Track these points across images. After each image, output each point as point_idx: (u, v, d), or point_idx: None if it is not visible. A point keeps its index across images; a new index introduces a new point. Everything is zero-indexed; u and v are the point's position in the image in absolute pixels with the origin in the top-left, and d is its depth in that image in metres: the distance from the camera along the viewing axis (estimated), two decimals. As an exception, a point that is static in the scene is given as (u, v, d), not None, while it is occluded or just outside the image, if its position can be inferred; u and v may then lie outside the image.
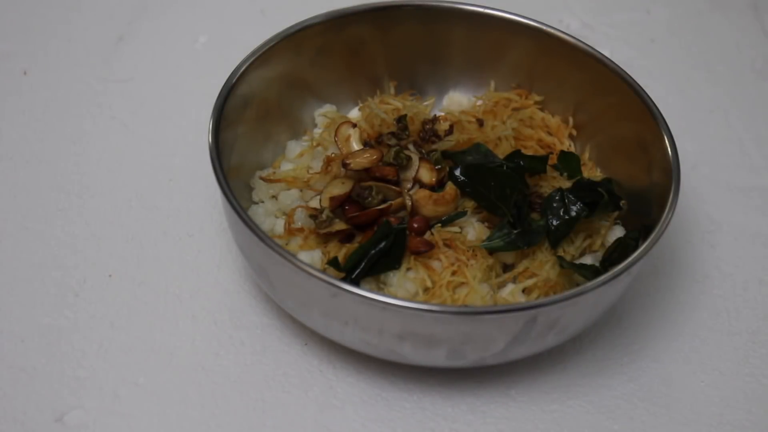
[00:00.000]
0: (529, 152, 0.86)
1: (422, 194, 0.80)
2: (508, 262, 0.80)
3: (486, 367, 0.78)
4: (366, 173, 0.81)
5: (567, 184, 0.83)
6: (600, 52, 0.87)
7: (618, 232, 0.83)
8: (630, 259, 0.74)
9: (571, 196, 0.80)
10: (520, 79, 0.91)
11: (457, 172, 0.80)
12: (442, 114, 0.89)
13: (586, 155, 0.89)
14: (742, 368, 0.81)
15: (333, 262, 0.77)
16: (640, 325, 0.83)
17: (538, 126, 0.89)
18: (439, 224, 0.80)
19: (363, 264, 0.77)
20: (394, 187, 0.81)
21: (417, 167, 0.82)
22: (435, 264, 0.78)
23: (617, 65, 0.86)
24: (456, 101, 0.92)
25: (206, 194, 0.89)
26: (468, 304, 0.76)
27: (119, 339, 0.80)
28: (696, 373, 0.81)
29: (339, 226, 0.79)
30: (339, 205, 0.80)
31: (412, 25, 0.90)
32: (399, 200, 0.80)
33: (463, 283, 0.77)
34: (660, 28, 1.09)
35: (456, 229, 0.80)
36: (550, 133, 0.89)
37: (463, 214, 0.80)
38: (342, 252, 0.78)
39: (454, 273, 0.77)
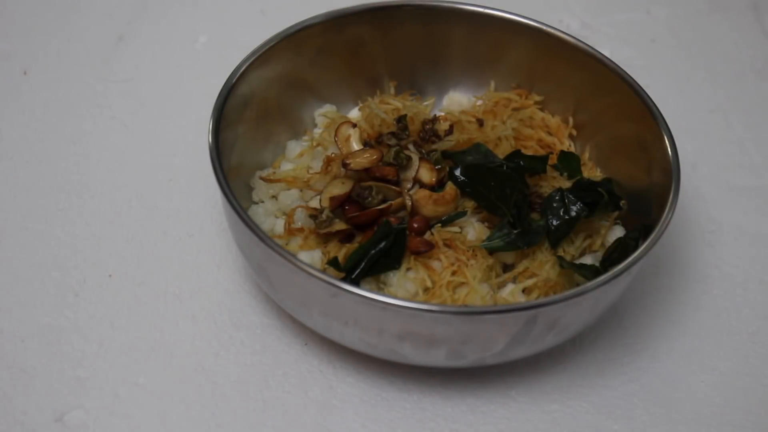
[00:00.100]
0: (529, 152, 0.86)
1: (422, 194, 0.80)
2: (508, 262, 0.80)
3: (486, 367, 0.78)
4: (366, 173, 0.81)
5: (567, 184, 0.83)
6: (600, 52, 0.87)
7: (618, 232, 0.83)
8: (630, 259, 0.74)
9: (571, 196, 0.80)
10: (520, 79, 0.91)
11: (457, 172, 0.80)
12: (442, 114, 0.89)
13: (586, 155, 0.89)
14: (742, 368, 0.81)
15: (333, 262, 0.77)
16: (640, 325, 0.83)
17: (538, 126, 0.89)
18: (439, 224, 0.80)
19: (363, 264, 0.77)
20: (394, 187, 0.80)
21: (417, 167, 0.82)
22: (435, 264, 0.78)
23: (617, 65, 0.86)
24: (456, 101, 0.92)
25: (206, 194, 0.89)
26: (468, 304, 0.76)
27: (119, 339, 0.80)
28: (696, 373, 0.81)
29: (339, 226, 0.79)
30: (339, 205, 0.80)
31: (412, 25, 0.90)
32: (399, 200, 0.80)
33: (463, 283, 0.77)
34: (660, 28, 1.09)
35: (456, 229, 0.80)
36: (550, 133, 0.89)
37: (463, 214, 0.80)
38: (342, 252, 0.78)
39: (454, 273, 0.77)
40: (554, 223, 0.80)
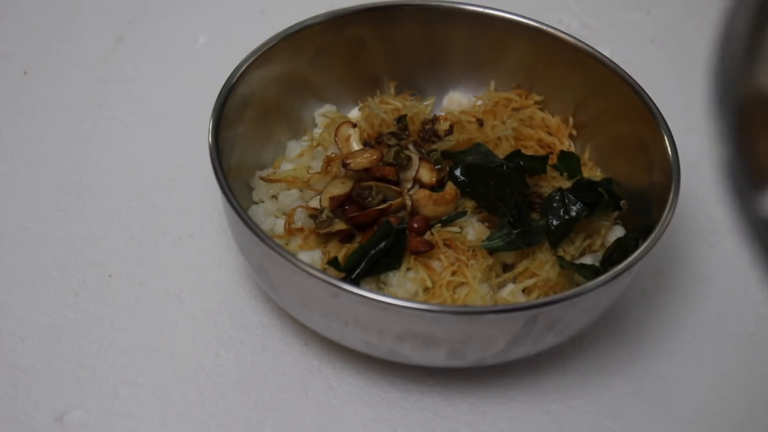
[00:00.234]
0: (529, 152, 0.86)
1: (422, 194, 0.80)
2: (508, 262, 0.80)
3: (486, 367, 0.78)
4: (366, 173, 0.81)
5: (567, 184, 0.83)
6: (600, 52, 0.87)
7: (618, 232, 0.83)
8: (630, 259, 0.74)
9: (571, 196, 0.80)
10: (520, 79, 0.91)
11: (457, 172, 0.80)
12: (442, 114, 0.89)
13: (586, 155, 0.89)
14: (742, 368, 0.81)
15: (333, 262, 0.77)
16: (640, 324, 0.83)
17: (538, 126, 0.89)
18: (439, 224, 0.80)
19: (363, 264, 0.77)
20: (394, 187, 0.80)
21: (417, 167, 0.82)
22: (435, 264, 0.78)
23: (617, 65, 0.86)
24: (456, 101, 0.92)
25: (206, 194, 0.89)
26: (468, 304, 0.76)
27: (119, 339, 0.80)
28: (696, 373, 0.81)
29: (339, 226, 0.79)
30: (339, 205, 0.80)
31: (412, 25, 0.90)
32: (399, 200, 0.80)
33: (463, 283, 0.77)
34: (660, 28, 1.09)
35: (456, 229, 0.80)
36: (550, 133, 0.89)
37: (463, 214, 0.80)
38: (342, 252, 0.78)
39: (454, 273, 0.77)
40: (554, 223, 0.80)
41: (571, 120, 0.90)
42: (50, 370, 0.77)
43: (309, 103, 0.90)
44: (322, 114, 0.89)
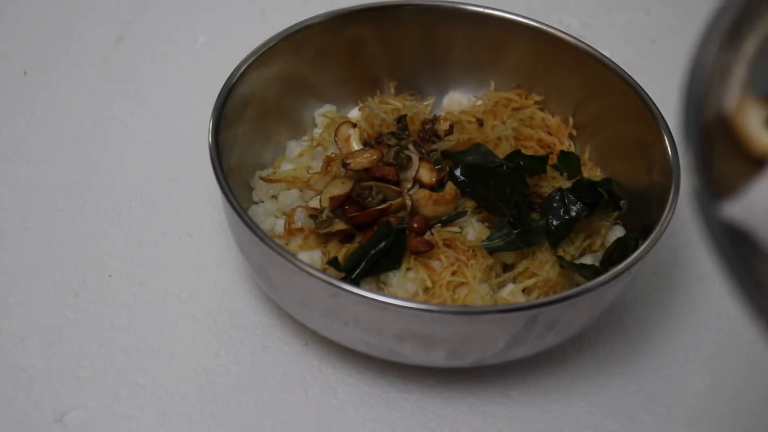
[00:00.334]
0: (529, 152, 0.86)
1: (422, 194, 0.80)
2: (508, 262, 0.80)
3: (486, 367, 0.78)
4: (366, 173, 0.81)
5: (567, 184, 0.83)
6: (600, 52, 0.87)
7: (618, 232, 0.83)
8: (630, 259, 0.74)
9: (571, 196, 0.80)
10: (520, 79, 0.91)
11: (457, 172, 0.80)
12: (442, 114, 0.89)
13: (586, 155, 0.89)
14: (742, 368, 0.81)
15: (333, 262, 0.77)
16: (640, 324, 0.83)
17: (538, 126, 0.89)
18: (439, 224, 0.80)
19: (363, 264, 0.77)
20: (394, 187, 0.80)
21: (417, 167, 0.82)
22: (435, 264, 0.78)
23: (617, 65, 0.86)
24: (456, 101, 0.92)
25: (206, 194, 0.89)
26: (468, 304, 0.76)
27: (119, 339, 0.80)
28: (696, 373, 0.81)
29: (339, 226, 0.79)
30: (339, 205, 0.80)
31: (412, 25, 0.90)
32: (399, 200, 0.80)
33: (463, 283, 0.77)
34: (660, 28, 1.09)
35: (456, 229, 0.80)
36: (550, 133, 0.89)
37: (463, 214, 0.80)
38: (342, 252, 0.78)
39: (454, 273, 0.77)
40: (554, 223, 0.80)
41: (571, 120, 0.90)
42: (50, 370, 0.77)
43: (309, 103, 0.90)
44: (322, 114, 0.89)
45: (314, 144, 0.86)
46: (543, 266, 0.79)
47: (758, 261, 0.46)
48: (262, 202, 0.84)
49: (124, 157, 0.92)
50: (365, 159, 0.81)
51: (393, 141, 0.83)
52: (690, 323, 0.84)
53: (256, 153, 0.86)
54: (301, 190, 0.83)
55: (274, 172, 0.86)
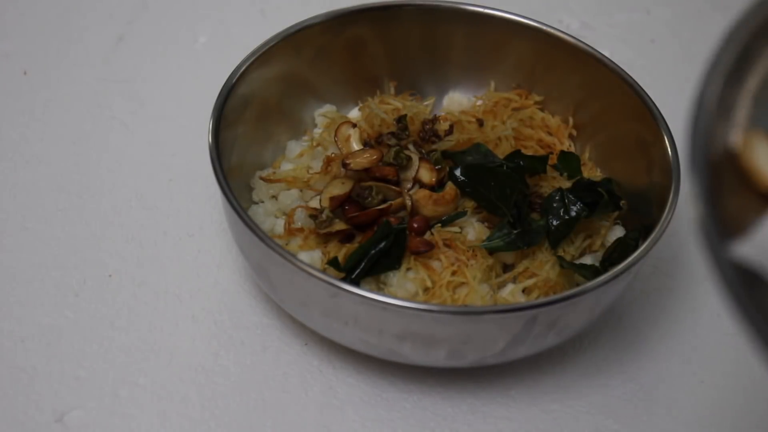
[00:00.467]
0: (529, 152, 0.86)
1: (422, 194, 0.80)
2: (508, 262, 0.80)
3: (486, 367, 0.78)
4: (366, 173, 0.81)
5: (567, 184, 0.83)
6: (600, 52, 0.87)
7: (618, 232, 0.83)
8: (630, 259, 0.74)
9: (571, 196, 0.80)
10: (520, 79, 0.91)
11: (457, 172, 0.80)
12: (442, 114, 0.89)
13: (586, 155, 0.89)
14: (742, 368, 0.81)
15: (333, 262, 0.77)
16: (640, 325, 0.83)
17: (538, 126, 0.89)
18: (439, 224, 0.80)
19: (363, 264, 0.77)
20: (394, 187, 0.80)
21: (417, 167, 0.82)
22: (435, 264, 0.78)
23: (617, 65, 0.86)
24: (456, 101, 0.92)
25: (206, 194, 0.89)
26: (468, 304, 0.76)
27: (119, 339, 0.80)
28: (696, 373, 0.81)
29: (339, 226, 0.79)
30: (339, 205, 0.80)
31: (412, 25, 0.90)
32: (399, 200, 0.80)
33: (463, 283, 0.77)
34: (660, 28, 1.09)
35: (456, 229, 0.80)
36: (550, 133, 0.89)
37: (463, 214, 0.80)
38: (342, 252, 0.78)
39: (454, 273, 0.77)
40: (554, 223, 0.80)
41: (571, 120, 0.90)
42: (50, 370, 0.77)
43: (309, 103, 0.90)
44: (322, 114, 0.89)
45: (314, 144, 0.86)
46: (543, 266, 0.79)
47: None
48: (262, 202, 0.84)
49: (124, 157, 0.92)
50: (365, 159, 0.81)
51: (393, 141, 0.83)
52: (690, 323, 0.84)
53: (256, 153, 0.86)
54: (301, 190, 0.84)
55: (274, 172, 0.86)
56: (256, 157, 0.86)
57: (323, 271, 0.75)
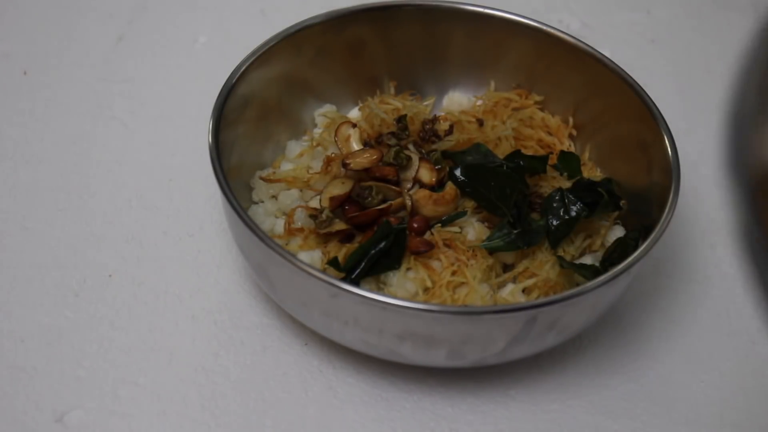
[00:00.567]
0: (529, 152, 0.86)
1: (422, 194, 0.80)
2: (508, 262, 0.80)
3: (486, 367, 0.78)
4: (366, 173, 0.81)
5: (567, 184, 0.83)
6: (600, 52, 0.87)
7: (618, 232, 0.83)
8: (630, 259, 0.74)
9: (571, 196, 0.80)
10: (520, 79, 0.91)
11: (457, 172, 0.80)
12: (442, 114, 0.89)
13: (586, 155, 0.89)
14: (742, 368, 0.81)
15: (333, 262, 0.77)
16: (640, 325, 0.83)
17: (538, 126, 0.89)
18: (439, 224, 0.80)
19: (363, 264, 0.77)
20: (394, 187, 0.80)
21: (417, 167, 0.82)
22: (435, 264, 0.78)
23: (617, 65, 0.86)
24: (456, 101, 0.92)
25: (206, 194, 0.89)
26: (468, 304, 0.76)
27: (119, 339, 0.80)
28: (696, 373, 0.81)
29: (339, 226, 0.79)
30: (339, 205, 0.80)
31: (412, 25, 0.90)
32: (399, 200, 0.80)
33: (463, 283, 0.77)
34: (660, 28, 1.09)
35: (456, 229, 0.80)
36: (550, 133, 0.89)
37: (463, 214, 0.80)
38: (342, 252, 0.78)
39: (454, 273, 0.77)
40: (554, 223, 0.80)
41: (571, 120, 0.90)
42: (50, 370, 0.77)
43: (309, 103, 0.90)
44: (322, 114, 0.89)
45: (314, 144, 0.86)
46: (543, 266, 0.79)
47: None
48: (262, 202, 0.84)
49: (124, 157, 0.92)
50: (365, 159, 0.81)
51: (393, 141, 0.83)
52: (690, 323, 0.84)
53: (256, 153, 0.86)
54: (301, 190, 0.84)
55: (274, 172, 0.86)
56: (256, 157, 0.86)
57: (323, 271, 0.75)
